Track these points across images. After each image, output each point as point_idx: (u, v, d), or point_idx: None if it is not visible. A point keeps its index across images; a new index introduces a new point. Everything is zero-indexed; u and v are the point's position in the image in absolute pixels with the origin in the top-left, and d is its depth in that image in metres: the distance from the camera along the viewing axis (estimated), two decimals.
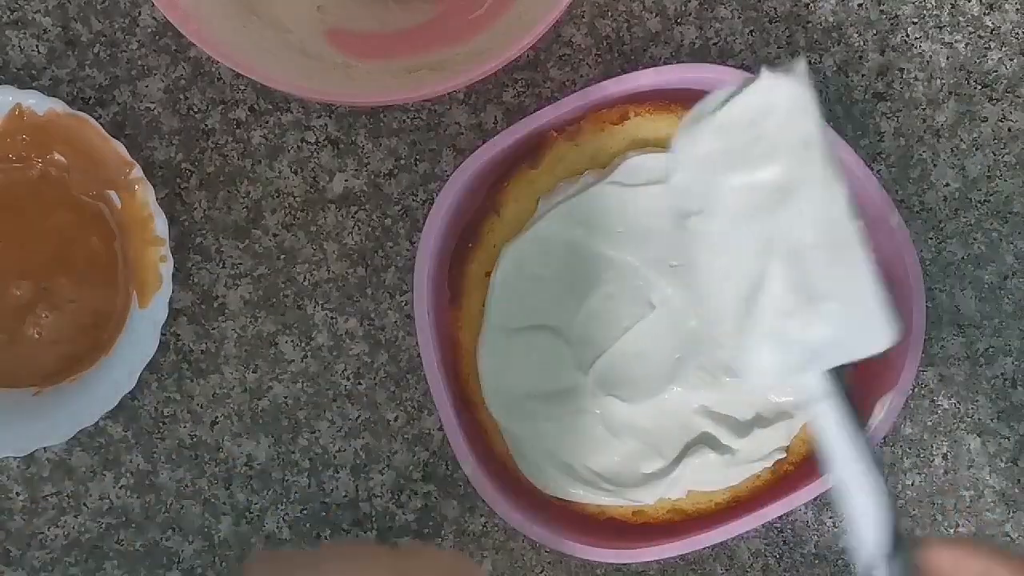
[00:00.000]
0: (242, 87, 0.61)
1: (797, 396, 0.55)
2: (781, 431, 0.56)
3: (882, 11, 0.63)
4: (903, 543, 0.41)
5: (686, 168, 0.44)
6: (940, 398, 0.62)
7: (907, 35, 0.63)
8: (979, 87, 0.63)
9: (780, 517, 0.58)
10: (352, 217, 0.61)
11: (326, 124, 0.61)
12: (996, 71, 0.63)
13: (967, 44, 0.63)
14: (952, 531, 0.61)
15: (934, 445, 0.62)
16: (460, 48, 0.58)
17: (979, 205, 0.63)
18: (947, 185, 0.63)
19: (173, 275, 0.58)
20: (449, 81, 0.51)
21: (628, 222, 0.56)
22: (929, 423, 0.62)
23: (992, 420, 0.62)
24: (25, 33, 0.61)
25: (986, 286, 0.62)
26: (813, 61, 0.62)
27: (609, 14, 0.62)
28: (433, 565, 0.42)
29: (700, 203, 0.44)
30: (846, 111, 0.62)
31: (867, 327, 0.42)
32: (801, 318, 0.42)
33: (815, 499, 0.56)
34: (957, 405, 0.62)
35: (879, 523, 0.42)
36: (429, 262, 0.55)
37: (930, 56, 0.63)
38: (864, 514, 0.42)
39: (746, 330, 0.43)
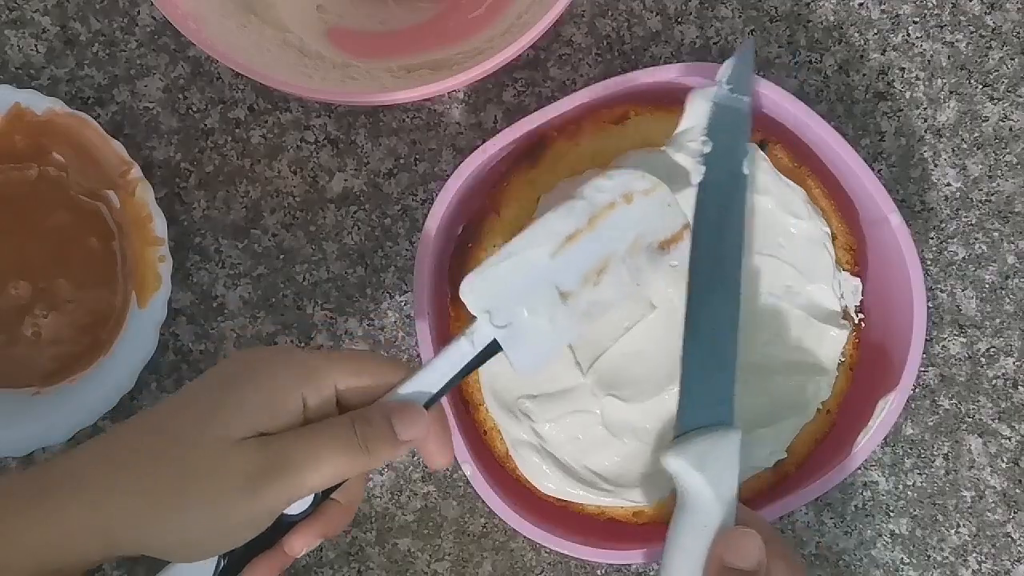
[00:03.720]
0: (241, 86, 0.61)
1: None
2: (781, 432, 0.56)
3: (883, 10, 0.62)
4: None
5: None
6: (941, 398, 0.62)
7: (908, 34, 0.63)
8: (980, 86, 0.63)
9: (780, 518, 0.58)
10: (351, 217, 0.61)
11: (325, 124, 0.61)
12: (997, 70, 0.63)
13: (968, 43, 0.63)
14: (953, 532, 0.61)
15: (935, 446, 0.62)
16: (460, 47, 0.58)
17: (980, 205, 0.62)
18: (948, 185, 0.62)
19: (172, 275, 0.58)
20: (449, 81, 0.51)
21: None
22: (930, 423, 0.62)
23: (993, 420, 0.62)
24: (24, 32, 0.61)
25: (987, 286, 0.62)
26: (814, 60, 0.62)
27: (609, 13, 0.62)
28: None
29: None
30: (847, 110, 0.62)
31: None
32: None
33: (815, 500, 0.56)
34: (958, 405, 0.62)
35: None
36: (429, 262, 0.55)
37: (931, 55, 0.62)
38: None
39: None
